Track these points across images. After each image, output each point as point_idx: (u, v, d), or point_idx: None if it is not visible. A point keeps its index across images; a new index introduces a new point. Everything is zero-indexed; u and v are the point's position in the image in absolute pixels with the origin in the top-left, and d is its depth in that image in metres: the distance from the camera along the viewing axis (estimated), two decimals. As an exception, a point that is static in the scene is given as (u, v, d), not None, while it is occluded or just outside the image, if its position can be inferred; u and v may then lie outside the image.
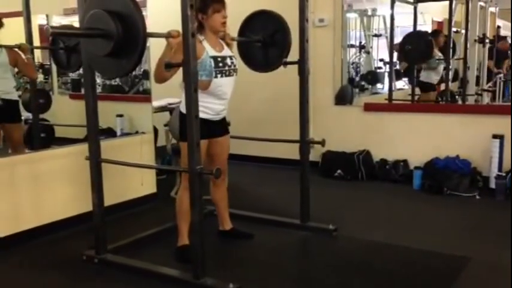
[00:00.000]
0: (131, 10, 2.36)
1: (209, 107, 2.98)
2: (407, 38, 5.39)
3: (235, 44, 3.42)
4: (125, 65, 2.46)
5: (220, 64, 2.96)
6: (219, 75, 2.95)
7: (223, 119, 3.17)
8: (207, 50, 2.92)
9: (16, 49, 3.88)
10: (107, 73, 2.66)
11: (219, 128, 3.13)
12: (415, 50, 5.28)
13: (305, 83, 3.43)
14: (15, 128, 4.01)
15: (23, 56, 3.87)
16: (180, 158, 3.16)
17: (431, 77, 5.68)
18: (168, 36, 2.71)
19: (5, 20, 3.94)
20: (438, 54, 5.53)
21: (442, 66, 5.59)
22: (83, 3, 2.73)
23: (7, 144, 4.03)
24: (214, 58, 2.94)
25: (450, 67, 5.33)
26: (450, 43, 5.29)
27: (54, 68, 4.72)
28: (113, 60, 2.47)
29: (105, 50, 2.43)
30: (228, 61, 3.02)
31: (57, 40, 4.32)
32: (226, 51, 3.06)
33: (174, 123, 3.40)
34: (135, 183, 4.11)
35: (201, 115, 2.60)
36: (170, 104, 4.45)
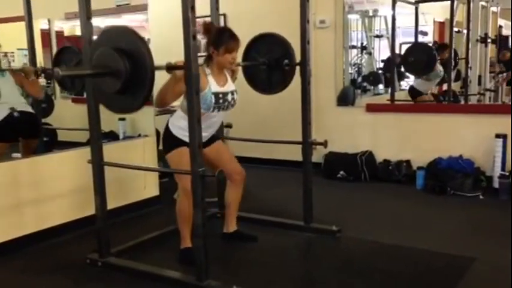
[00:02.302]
0: (139, 48, 2.37)
1: None
2: (412, 48, 5.43)
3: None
4: (132, 102, 2.47)
5: (221, 100, 2.97)
6: (215, 110, 2.97)
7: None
8: (211, 85, 2.93)
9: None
10: (115, 109, 2.67)
11: (206, 141, 3.07)
12: (417, 62, 5.32)
13: (307, 84, 3.43)
14: (33, 142, 4.02)
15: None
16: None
17: (423, 86, 5.65)
18: (172, 67, 2.62)
19: (7, 25, 3.96)
20: (439, 68, 5.49)
21: (438, 80, 5.59)
22: (84, 7, 2.74)
23: (21, 153, 3.97)
24: (216, 94, 2.94)
25: (452, 67, 5.32)
26: (452, 44, 5.27)
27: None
28: (121, 96, 2.48)
29: (114, 87, 2.44)
30: (229, 97, 3.04)
31: (60, 62, 4.34)
32: (228, 86, 3.06)
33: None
34: (137, 186, 4.11)
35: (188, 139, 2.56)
36: (172, 106, 4.43)
